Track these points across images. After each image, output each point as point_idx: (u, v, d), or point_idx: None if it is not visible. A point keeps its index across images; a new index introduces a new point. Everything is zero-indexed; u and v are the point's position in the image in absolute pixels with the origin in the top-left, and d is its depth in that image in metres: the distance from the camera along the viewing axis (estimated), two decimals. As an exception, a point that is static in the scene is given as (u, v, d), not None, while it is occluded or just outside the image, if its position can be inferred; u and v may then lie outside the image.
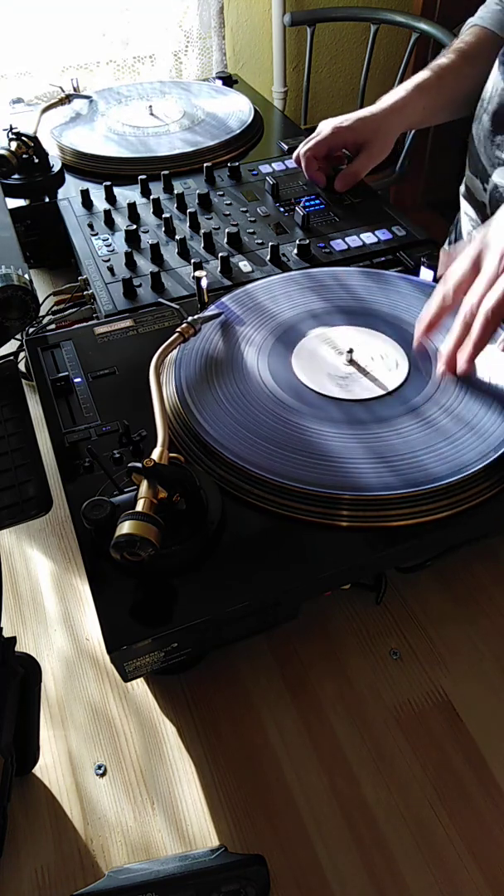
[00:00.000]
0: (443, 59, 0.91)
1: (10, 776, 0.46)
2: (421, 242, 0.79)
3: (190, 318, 0.64)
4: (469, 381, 0.60)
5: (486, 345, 0.58)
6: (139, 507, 0.46)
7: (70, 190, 0.90)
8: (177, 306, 0.68)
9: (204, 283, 0.68)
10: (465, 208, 0.97)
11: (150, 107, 1.05)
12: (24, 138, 0.87)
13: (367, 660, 0.55)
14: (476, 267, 0.59)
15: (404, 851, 0.46)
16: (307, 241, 0.77)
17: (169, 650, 0.48)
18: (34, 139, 0.88)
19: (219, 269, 0.76)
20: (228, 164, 0.91)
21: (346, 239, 0.80)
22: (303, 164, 0.90)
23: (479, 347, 0.58)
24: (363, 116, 0.88)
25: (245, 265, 0.76)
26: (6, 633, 0.47)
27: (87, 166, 0.94)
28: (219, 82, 1.16)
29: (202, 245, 0.80)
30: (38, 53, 1.69)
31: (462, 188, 0.97)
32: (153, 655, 0.47)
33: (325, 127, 0.89)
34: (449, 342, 0.60)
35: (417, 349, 0.63)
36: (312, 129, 0.91)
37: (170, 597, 0.48)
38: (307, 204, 0.85)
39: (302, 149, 0.90)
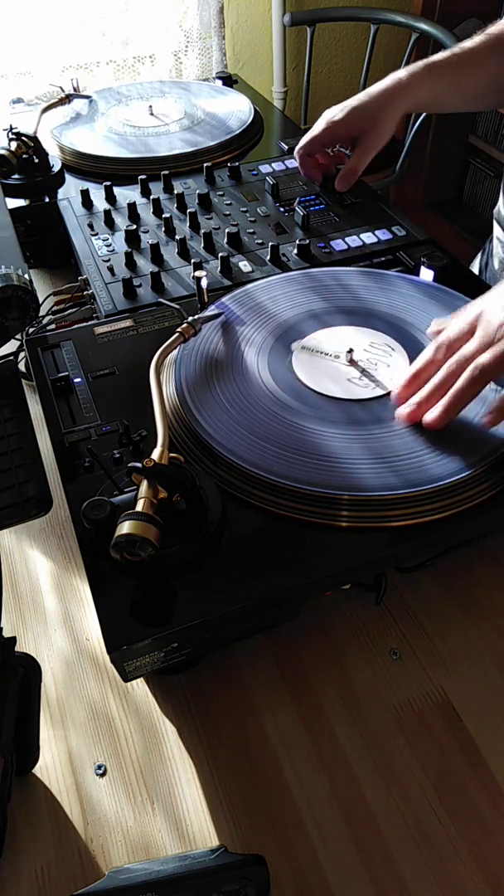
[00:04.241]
0: (468, 42, 0.82)
1: (10, 776, 0.46)
2: (421, 242, 0.79)
3: (190, 319, 0.64)
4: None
5: (468, 401, 0.54)
6: (139, 507, 0.46)
7: (70, 190, 0.90)
8: (177, 306, 0.68)
9: (204, 283, 0.68)
10: (498, 233, 0.96)
11: (150, 107, 1.05)
12: (24, 138, 0.87)
13: (367, 660, 0.55)
14: (471, 331, 0.56)
15: (404, 851, 0.46)
16: (307, 241, 0.77)
17: (169, 650, 0.48)
18: (34, 139, 0.88)
19: (219, 269, 0.76)
20: (228, 164, 0.91)
21: (346, 239, 0.80)
22: (297, 163, 0.88)
23: (460, 399, 0.54)
24: (358, 105, 0.82)
25: (245, 265, 0.76)
26: (6, 633, 0.47)
27: (87, 166, 0.94)
28: (219, 82, 1.16)
29: (202, 245, 0.80)
30: (38, 53, 1.69)
31: (495, 211, 0.96)
32: (153, 655, 0.47)
33: (319, 122, 0.85)
34: (426, 389, 0.56)
35: (399, 401, 0.58)
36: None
37: (170, 597, 0.48)
38: (307, 203, 0.85)
39: (297, 147, 0.88)
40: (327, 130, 0.84)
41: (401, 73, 0.82)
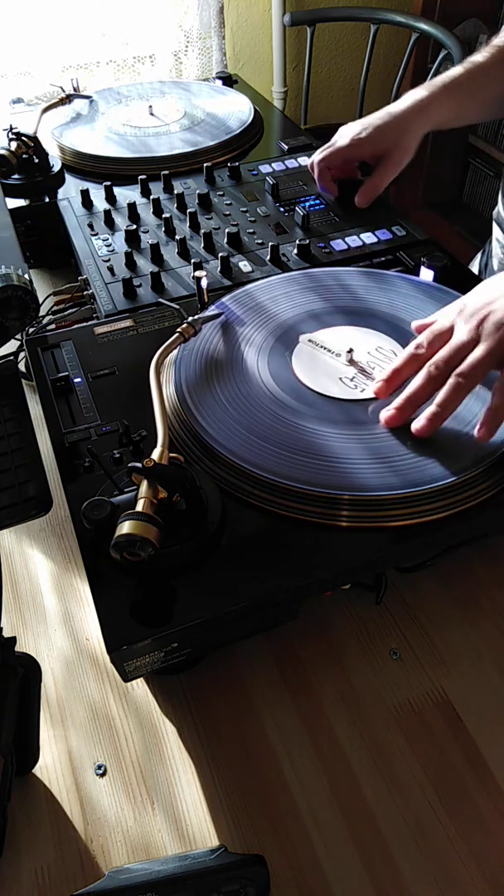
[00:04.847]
0: (477, 56, 0.83)
1: (10, 776, 0.46)
2: (421, 242, 0.79)
3: (190, 319, 0.64)
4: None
5: (454, 409, 0.54)
6: (139, 507, 0.46)
7: (70, 190, 0.90)
8: (177, 306, 0.68)
9: (204, 283, 0.68)
10: (498, 234, 0.96)
11: (150, 107, 1.05)
12: (24, 138, 0.87)
13: (367, 660, 0.55)
14: (452, 329, 0.57)
15: (404, 851, 0.46)
16: (307, 241, 0.77)
17: (169, 650, 0.48)
18: (34, 139, 0.88)
19: (219, 269, 0.76)
20: (228, 164, 0.91)
21: (346, 239, 0.80)
22: (315, 174, 0.86)
23: (445, 409, 0.54)
24: (382, 125, 0.81)
25: (245, 265, 0.76)
26: (6, 633, 0.47)
27: (87, 166, 0.94)
28: (219, 82, 1.16)
29: (202, 245, 0.80)
30: (38, 53, 1.69)
31: (494, 213, 0.96)
32: (153, 655, 0.47)
33: (342, 136, 0.84)
34: (406, 393, 0.56)
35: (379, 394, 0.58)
36: (312, 129, 0.90)
37: (170, 597, 0.48)
38: (307, 204, 0.84)
39: (316, 157, 0.86)
40: (351, 147, 0.83)
41: (421, 93, 0.82)
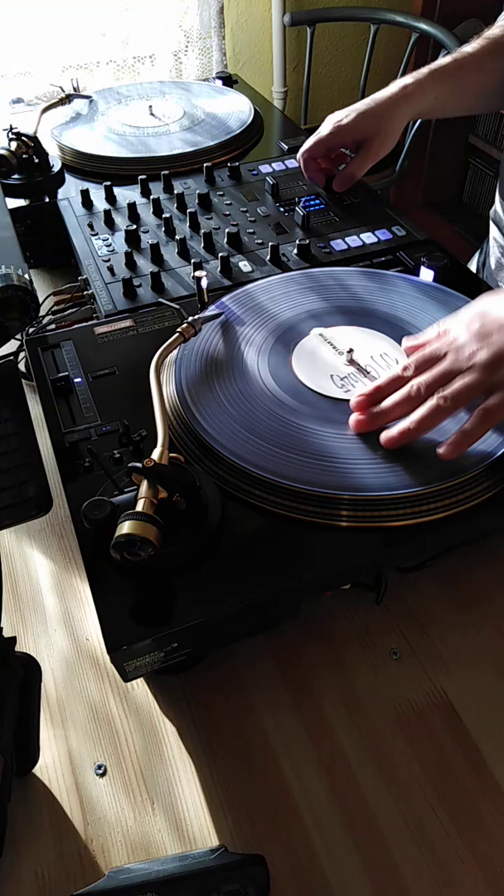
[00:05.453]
0: (468, 46, 0.83)
1: (10, 776, 0.46)
2: (421, 242, 0.79)
3: (190, 318, 0.64)
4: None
5: (428, 430, 0.53)
6: (139, 507, 0.46)
7: (70, 190, 0.90)
8: (177, 306, 0.68)
9: (204, 283, 0.68)
10: (495, 233, 0.96)
11: (150, 107, 1.05)
12: (24, 138, 0.87)
13: (367, 660, 0.55)
14: (442, 354, 0.55)
15: (404, 851, 0.46)
16: (307, 241, 0.77)
17: (169, 650, 0.48)
18: (34, 139, 0.88)
19: (219, 269, 0.76)
20: (228, 164, 0.91)
21: (346, 239, 0.80)
22: (302, 166, 0.88)
23: (420, 427, 0.53)
24: (365, 110, 0.82)
25: (245, 265, 0.76)
26: (6, 633, 0.47)
27: (87, 166, 0.94)
28: (219, 82, 1.16)
29: (202, 245, 0.80)
30: (38, 53, 1.69)
31: (492, 212, 0.95)
32: (153, 655, 0.47)
33: (325, 125, 0.85)
34: (385, 404, 0.55)
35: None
36: (312, 129, 0.90)
37: (170, 597, 0.48)
38: (307, 204, 0.85)
39: (302, 149, 0.87)
40: (332, 135, 0.83)
41: (406, 80, 0.82)
